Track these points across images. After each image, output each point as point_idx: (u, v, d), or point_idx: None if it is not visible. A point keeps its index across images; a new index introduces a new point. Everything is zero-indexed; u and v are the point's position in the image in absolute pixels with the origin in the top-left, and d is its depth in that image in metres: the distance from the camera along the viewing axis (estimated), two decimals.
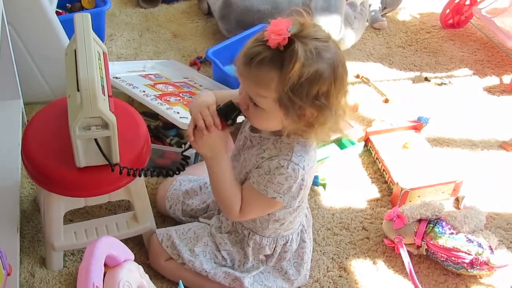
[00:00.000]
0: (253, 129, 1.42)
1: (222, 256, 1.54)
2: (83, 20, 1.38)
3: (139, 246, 1.65)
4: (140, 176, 1.42)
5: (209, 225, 1.59)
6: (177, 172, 1.42)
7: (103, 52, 1.45)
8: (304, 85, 1.20)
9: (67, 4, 2.40)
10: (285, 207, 1.40)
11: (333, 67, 1.22)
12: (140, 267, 1.10)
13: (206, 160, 1.39)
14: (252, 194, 1.37)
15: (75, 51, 1.34)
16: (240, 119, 1.38)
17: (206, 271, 1.52)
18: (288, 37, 1.17)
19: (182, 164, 1.42)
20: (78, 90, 1.27)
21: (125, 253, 1.05)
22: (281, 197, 1.34)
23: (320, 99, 1.23)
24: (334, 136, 1.37)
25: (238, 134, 1.49)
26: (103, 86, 1.33)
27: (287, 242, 1.53)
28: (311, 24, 1.23)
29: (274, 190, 1.33)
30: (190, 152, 1.84)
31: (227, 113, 1.33)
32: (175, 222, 1.69)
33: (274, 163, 1.32)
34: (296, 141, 1.33)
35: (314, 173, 1.42)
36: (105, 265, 1.01)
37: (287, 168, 1.31)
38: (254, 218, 1.47)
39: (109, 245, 0.99)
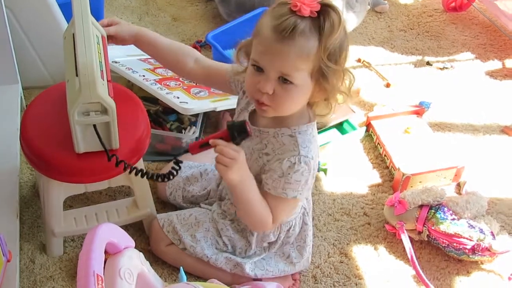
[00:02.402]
0: (252, 121, 1.40)
1: (223, 242, 1.54)
2: (81, 3, 1.36)
3: (140, 232, 1.64)
4: (135, 174, 1.36)
5: (210, 210, 1.58)
6: (171, 178, 1.33)
7: (102, 36, 1.43)
8: (337, 50, 1.23)
9: None
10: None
11: (345, 33, 1.25)
12: (141, 254, 1.09)
13: (234, 187, 1.33)
14: (274, 201, 1.36)
15: (73, 35, 1.33)
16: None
17: (207, 257, 1.51)
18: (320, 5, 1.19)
19: (174, 169, 1.33)
20: (77, 75, 1.25)
21: (126, 240, 1.03)
22: (300, 194, 1.35)
23: (342, 65, 1.26)
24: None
25: None
26: (102, 71, 1.31)
27: (290, 227, 1.52)
28: None
29: (293, 189, 1.33)
30: (191, 137, 1.83)
31: (236, 132, 1.26)
32: (176, 208, 1.69)
33: (285, 163, 1.31)
34: (297, 131, 1.32)
35: (318, 157, 1.41)
36: (105, 252, 1.00)
37: (300, 163, 1.30)
38: None
39: (109, 232, 0.98)
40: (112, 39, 1.46)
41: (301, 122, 1.34)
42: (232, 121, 1.28)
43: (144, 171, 1.37)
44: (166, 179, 1.33)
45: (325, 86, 1.26)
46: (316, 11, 1.18)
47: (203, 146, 1.30)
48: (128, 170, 1.35)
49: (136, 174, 1.35)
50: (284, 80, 1.23)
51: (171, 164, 1.34)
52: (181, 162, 1.33)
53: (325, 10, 1.19)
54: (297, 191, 1.33)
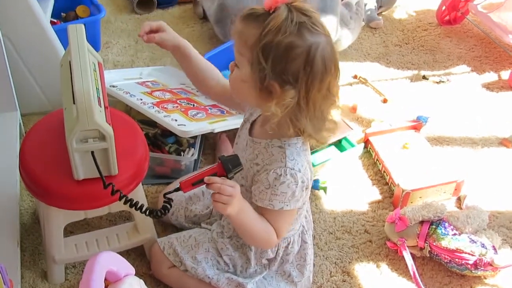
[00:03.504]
0: (250, 132, 1.42)
1: (224, 262, 1.53)
2: (77, 31, 1.37)
3: (141, 257, 1.64)
4: (129, 206, 1.34)
5: (210, 230, 1.58)
6: (162, 215, 1.33)
7: (98, 63, 1.44)
8: (274, 51, 1.21)
9: (62, 14, 2.39)
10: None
11: (309, 51, 1.21)
12: (142, 281, 1.09)
13: (232, 218, 1.33)
14: (271, 216, 1.36)
15: (69, 63, 1.33)
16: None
17: (209, 278, 1.51)
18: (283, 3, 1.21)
19: (165, 208, 1.32)
20: (74, 103, 1.26)
21: (126, 267, 1.04)
22: (287, 205, 1.34)
23: (287, 75, 1.22)
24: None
25: (236, 137, 1.49)
26: (99, 98, 1.32)
27: (288, 244, 1.52)
28: (313, 7, 1.25)
29: (279, 201, 1.33)
30: (190, 160, 1.84)
31: (232, 165, 1.28)
32: (177, 230, 1.68)
33: (271, 174, 1.31)
34: (287, 143, 1.32)
35: (311, 172, 1.41)
36: (105, 280, 1.00)
37: (286, 175, 1.31)
38: None
39: (109, 260, 0.98)
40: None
41: (292, 135, 1.33)
42: (223, 156, 1.30)
43: (138, 204, 1.34)
44: (157, 216, 1.33)
45: (268, 90, 1.25)
46: (275, 7, 1.21)
47: (196, 183, 1.29)
48: (124, 200, 1.34)
49: (130, 206, 1.33)
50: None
51: (163, 198, 1.34)
52: (172, 200, 1.32)
53: (280, 9, 1.21)
54: (284, 202, 1.33)
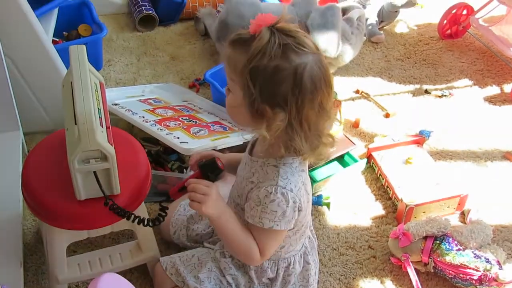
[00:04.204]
0: (250, 151, 1.42)
1: (227, 281, 1.52)
2: (78, 52, 1.38)
3: (144, 275, 1.63)
4: (128, 219, 1.39)
5: (213, 249, 1.57)
6: (158, 223, 1.41)
7: (100, 83, 1.45)
8: (261, 75, 1.20)
9: (64, 33, 2.40)
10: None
11: (296, 73, 1.21)
12: None
13: (214, 222, 1.36)
14: (257, 233, 1.36)
15: (71, 84, 1.34)
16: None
17: None
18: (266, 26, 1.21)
19: (161, 215, 1.41)
20: (76, 124, 1.26)
21: None
22: (277, 225, 1.32)
23: (276, 98, 1.22)
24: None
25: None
26: (100, 118, 1.32)
27: (289, 264, 1.51)
28: (296, 26, 1.24)
29: (269, 219, 1.31)
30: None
31: (208, 170, 1.35)
32: (180, 248, 1.68)
33: (262, 191, 1.30)
34: (282, 162, 1.32)
35: (307, 194, 1.40)
36: None
37: (276, 193, 1.29)
38: None
39: (111, 283, 0.98)
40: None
41: (288, 155, 1.32)
42: (203, 161, 1.36)
43: (135, 216, 1.39)
44: (157, 223, 1.39)
45: (260, 114, 1.24)
46: (260, 31, 1.20)
47: (182, 189, 1.37)
48: (123, 217, 1.38)
49: (129, 219, 1.38)
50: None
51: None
52: (167, 208, 1.40)
53: (263, 31, 1.20)
54: (274, 221, 1.31)
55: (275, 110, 1.23)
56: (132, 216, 1.38)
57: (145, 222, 1.39)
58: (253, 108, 1.24)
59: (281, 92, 1.22)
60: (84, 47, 1.40)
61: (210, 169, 1.35)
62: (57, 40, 2.32)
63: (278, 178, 1.30)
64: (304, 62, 1.21)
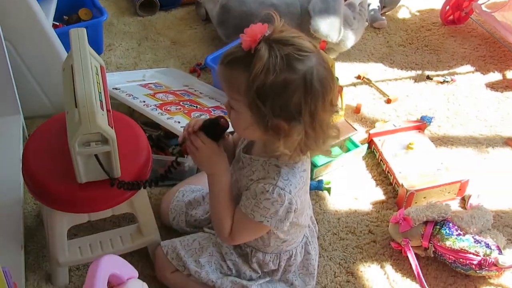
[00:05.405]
0: (246, 150, 1.40)
1: (228, 266, 1.53)
2: (78, 35, 1.37)
3: (145, 259, 1.64)
4: (140, 188, 1.41)
5: (213, 235, 1.57)
6: (172, 170, 1.42)
7: (100, 66, 1.44)
8: (270, 92, 1.17)
9: (64, 16, 2.39)
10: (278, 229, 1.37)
11: (305, 80, 1.18)
12: (145, 284, 1.09)
13: (208, 176, 1.38)
14: (241, 217, 1.36)
15: (71, 66, 1.33)
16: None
17: (212, 281, 1.50)
18: (260, 41, 1.16)
19: (173, 166, 1.41)
20: (76, 107, 1.26)
21: (129, 271, 1.04)
22: (268, 221, 1.32)
23: (289, 111, 1.20)
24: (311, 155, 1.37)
25: (236, 154, 1.47)
26: (101, 101, 1.32)
27: (291, 256, 1.52)
28: (289, 30, 1.20)
29: (260, 214, 1.31)
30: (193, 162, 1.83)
31: (210, 129, 1.33)
32: (180, 233, 1.68)
33: (260, 187, 1.30)
34: (284, 163, 1.30)
35: (306, 194, 1.40)
36: (109, 283, 1.00)
37: (272, 193, 1.28)
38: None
39: (112, 264, 0.98)
40: None
41: (291, 158, 1.29)
42: (207, 119, 1.35)
43: (146, 181, 1.41)
44: (169, 175, 1.42)
45: (276, 129, 1.22)
46: (255, 48, 1.16)
47: None
48: (138, 188, 1.41)
49: (144, 187, 1.41)
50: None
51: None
52: (179, 164, 1.42)
53: (261, 47, 1.16)
54: (265, 217, 1.31)
55: (291, 124, 1.20)
56: (145, 183, 1.40)
57: (158, 179, 1.41)
58: (266, 126, 1.22)
59: (293, 104, 1.19)
60: (84, 30, 1.40)
61: (211, 127, 1.33)
62: (58, 24, 2.31)
63: (278, 178, 1.29)
64: (310, 67, 1.18)
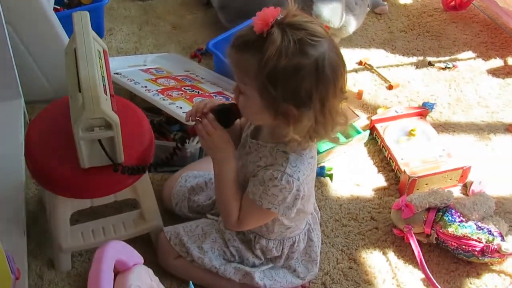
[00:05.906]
0: (253, 136, 1.40)
1: (231, 252, 1.53)
2: (81, 18, 1.36)
3: (148, 245, 1.63)
4: (145, 172, 1.41)
5: (216, 221, 1.57)
6: (178, 152, 1.41)
7: (103, 50, 1.43)
8: (281, 77, 1.17)
9: (65, 0, 2.37)
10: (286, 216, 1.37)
11: (317, 65, 1.18)
12: (150, 270, 1.09)
13: (213, 162, 1.37)
14: (249, 204, 1.36)
15: (75, 50, 1.32)
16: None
17: (215, 268, 1.51)
18: (273, 25, 1.15)
19: (180, 146, 1.40)
20: (80, 91, 1.25)
21: (134, 257, 1.03)
22: (276, 208, 1.32)
23: (300, 96, 1.19)
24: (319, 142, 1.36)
25: (242, 138, 1.46)
26: (104, 86, 1.31)
27: (294, 243, 1.52)
28: (302, 15, 1.20)
29: (268, 201, 1.31)
30: (195, 147, 1.83)
31: (223, 115, 1.32)
32: (183, 219, 1.68)
33: (268, 173, 1.29)
34: (292, 150, 1.29)
35: (313, 180, 1.40)
36: (114, 268, 1.00)
37: (281, 180, 1.28)
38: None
39: (118, 250, 0.98)
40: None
41: (300, 144, 1.29)
42: (220, 105, 1.33)
43: (151, 165, 1.41)
44: (175, 155, 1.41)
45: (284, 114, 1.21)
46: (267, 32, 1.15)
47: None
48: (143, 172, 1.41)
49: (149, 171, 1.42)
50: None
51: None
52: (186, 142, 1.41)
53: (273, 31, 1.15)
54: (273, 204, 1.31)
55: (300, 110, 1.20)
56: (149, 167, 1.40)
57: (164, 161, 1.40)
58: (275, 110, 1.21)
59: (304, 89, 1.18)
60: (87, 13, 1.39)
61: (223, 113, 1.32)
62: (58, 7, 2.29)
63: (287, 165, 1.29)
64: (322, 53, 1.18)
